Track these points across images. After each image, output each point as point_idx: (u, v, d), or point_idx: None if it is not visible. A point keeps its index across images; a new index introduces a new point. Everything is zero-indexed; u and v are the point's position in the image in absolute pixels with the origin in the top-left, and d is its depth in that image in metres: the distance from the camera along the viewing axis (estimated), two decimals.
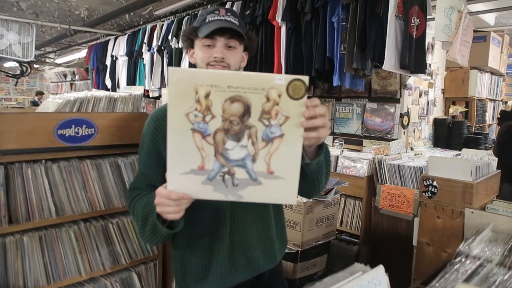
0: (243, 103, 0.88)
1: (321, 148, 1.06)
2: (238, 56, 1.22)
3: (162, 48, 4.37)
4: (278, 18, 3.05)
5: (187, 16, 4.08)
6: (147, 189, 1.19)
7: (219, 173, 0.94)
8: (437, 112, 4.04)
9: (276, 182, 0.94)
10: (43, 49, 7.88)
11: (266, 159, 0.93)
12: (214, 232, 1.19)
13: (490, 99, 4.87)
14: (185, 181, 0.95)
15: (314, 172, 1.08)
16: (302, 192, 1.16)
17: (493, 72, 4.70)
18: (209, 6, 3.90)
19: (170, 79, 0.87)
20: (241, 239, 1.21)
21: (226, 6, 3.53)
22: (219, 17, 1.17)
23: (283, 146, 0.91)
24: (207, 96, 0.87)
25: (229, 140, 0.91)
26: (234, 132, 0.91)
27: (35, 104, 9.29)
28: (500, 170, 1.96)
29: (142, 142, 1.22)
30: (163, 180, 1.18)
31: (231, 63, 1.18)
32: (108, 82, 5.50)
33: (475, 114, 4.42)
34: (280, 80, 0.86)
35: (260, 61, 3.33)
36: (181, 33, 1.26)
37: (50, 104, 1.44)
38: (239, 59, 1.22)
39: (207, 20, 1.17)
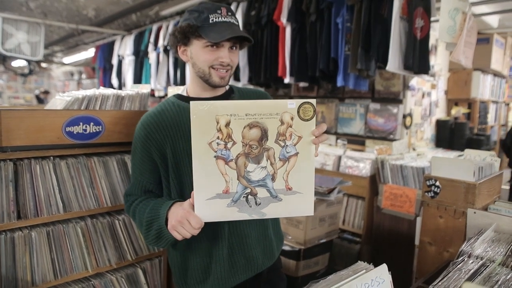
0: (260, 128, 0.98)
1: None
2: (238, 57, 1.23)
3: (168, 48, 4.40)
4: (283, 19, 3.07)
5: None
6: (143, 195, 1.23)
7: (243, 194, 1.02)
8: (440, 113, 4.04)
9: (294, 197, 1.03)
10: (51, 48, 7.93)
11: (284, 176, 1.02)
12: (212, 235, 1.20)
13: (492, 101, 4.86)
14: (211, 205, 1.02)
15: None
16: None
17: (496, 74, 4.69)
18: None
19: (193, 112, 0.95)
20: (239, 241, 1.22)
21: (232, 7, 3.55)
22: (222, 18, 1.13)
23: (299, 163, 1.01)
24: (227, 124, 0.97)
25: (250, 163, 1.00)
26: (254, 155, 1.00)
27: (39, 98, 9.34)
28: (503, 171, 1.96)
29: (134, 149, 1.23)
30: (158, 186, 1.24)
31: (233, 66, 1.19)
32: (114, 81, 5.54)
33: (478, 115, 4.42)
34: (291, 104, 0.97)
35: (265, 61, 3.35)
36: (176, 29, 1.18)
37: (58, 101, 1.47)
38: (238, 59, 1.23)
39: (210, 21, 1.11)
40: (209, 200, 1.01)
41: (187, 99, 1.22)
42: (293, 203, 1.03)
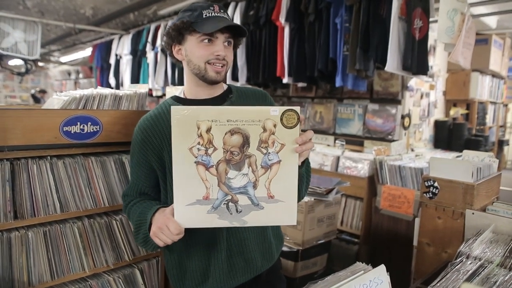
0: (242, 134, 0.96)
1: (304, 161, 1.11)
2: (232, 53, 1.21)
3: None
4: (282, 19, 3.07)
5: None
6: (138, 197, 1.24)
7: (223, 201, 1.01)
8: (438, 114, 4.05)
9: (276, 206, 1.02)
10: (48, 47, 7.91)
11: (266, 184, 1.00)
12: (210, 238, 1.19)
13: (491, 102, 4.87)
14: (191, 211, 1.01)
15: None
16: None
17: (494, 75, 4.70)
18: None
19: (173, 117, 0.94)
20: (238, 243, 1.21)
21: (230, 7, 3.55)
22: (215, 14, 1.13)
23: (281, 171, 0.99)
24: (208, 130, 0.95)
25: (231, 169, 0.99)
26: (235, 162, 0.98)
27: (35, 98, 9.30)
28: (501, 172, 1.97)
29: (132, 152, 1.24)
30: (154, 189, 1.23)
31: (228, 61, 1.18)
32: (112, 81, 5.53)
33: (476, 116, 4.43)
34: (274, 111, 0.95)
35: (264, 61, 3.35)
36: (170, 28, 1.18)
37: (55, 101, 1.46)
38: (232, 56, 1.22)
39: (204, 16, 1.12)
40: (189, 206, 1.00)
41: (184, 101, 1.22)
42: (275, 211, 1.01)
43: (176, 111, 0.94)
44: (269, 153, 0.97)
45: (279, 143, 0.97)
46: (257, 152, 0.97)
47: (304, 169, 1.16)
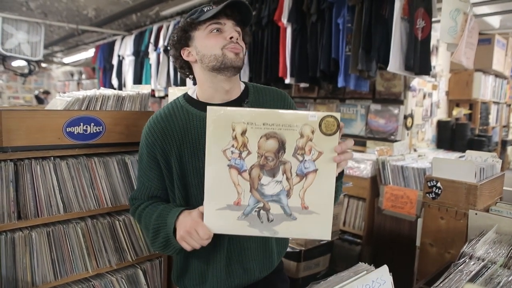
0: (278, 139, 0.91)
1: (342, 172, 1.06)
2: (243, 44, 1.16)
3: (169, 48, 4.39)
4: (284, 19, 3.06)
5: None
6: (149, 200, 1.20)
7: (255, 208, 0.96)
8: (441, 114, 4.04)
9: (310, 217, 0.96)
10: (50, 48, 7.94)
11: (301, 194, 0.94)
12: (211, 245, 1.13)
13: (494, 102, 4.86)
14: (221, 216, 0.97)
15: None
16: None
17: (497, 75, 4.68)
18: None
19: (209, 117, 0.90)
20: (238, 252, 1.18)
21: None
22: (216, 6, 1.11)
23: (317, 180, 0.93)
24: (243, 133, 0.91)
25: (264, 175, 0.94)
26: (269, 168, 0.93)
27: (38, 99, 9.33)
28: (504, 172, 1.96)
29: (141, 154, 1.20)
30: (166, 192, 1.19)
31: (243, 46, 1.14)
32: (114, 82, 5.54)
33: (479, 116, 4.41)
34: (313, 117, 0.90)
35: (266, 61, 3.35)
36: (174, 32, 1.15)
37: (58, 102, 1.46)
38: (244, 45, 1.16)
39: (205, 10, 1.11)
40: (220, 210, 0.96)
41: (196, 103, 1.17)
42: (308, 224, 0.95)
43: (212, 111, 0.91)
44: (305, 160, 0.92)
45: (317, 151, 0.92)
46: (292, 159, 0.92)
47: (340, 182, 1.09)
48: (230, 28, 1.10)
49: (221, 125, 0.91)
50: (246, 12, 1.13)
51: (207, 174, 0.94)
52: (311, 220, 0.95)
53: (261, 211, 0.96)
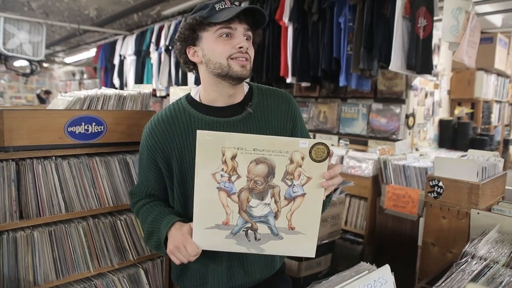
0: (267, 164, 0.93)
1: (330, 193, 1.06)
2: (253, 49, 1.13)
3: (170, 47, 4.41)
4: (285, 19, 3.06)
5: None
6: (146, 197, 1.23)
7: (242, 228, 0.99)
8: (443, 113, 4.02)
9: (296, 237, 0.99)
10: (52, 48, 7.96)
11: (288, 216, 0.97)
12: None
13: (496, 101, 4.84)
14: (210, 235, 1.00)
15: None
16: None
17: (499, 74, 4.67)
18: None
19: (199, 141, 0.91)
20: (239, 256, 1.18)
21: None
22: (228, 5, 1.06)
23: (305, 204, 0.96)
24: (233, 157, 0.92)
25: (253, 198, 0.96)
26: (258, 191, 0.95)
27: (41, 98, 9.35)
28: (506, 172, 1.96)
29: (141, 153, 1.20)
30: (163, 191, 1.21)
31: (252, 56, 1.10)
32: (116, 81, 5.55)
33: (481, 115, 4.40)
34: (303, 144, 0.91)
35: (267, 61, 3.35)
36: (182, 28, 1.09)
37: (60, 101, 1.47)
38: (253, 53, 1.13)
39: (217, 9, 1.05)
40: (208, 229, 0.99)
41: (199, 105, 1.15)
42: (294, 243, 1.00)
43: (202, 135, 0.91)
44: (294, 185, 0.95)
45: (306, 176, 0.94)
46: (281, 183, 0.94)
47: (328, 199, 1.12)
48: (240, 35, 1.06)
49: (211, 149, 0.92)
50: (260, 17, 1.09)
51: (196, 195, 0.96)
52: (297, 240, 0.99)
53: (249, 231, 0.99)
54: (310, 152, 0.91)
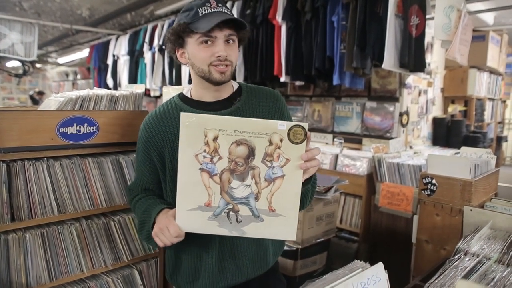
0: (248, 146, 0.97)
1: (310, 178, 1.09)
2: (237, 51, 1.17)
3: (163, 47, 4.39)
4: (279, 18, 3.06)
5: None
6: (142, 192, 1.26)
7: (224, 210, 1.02)
8: (436, 111, 4.04)
9: (277, 219, 1.02)
10: (45, 48, 7.90)
11: (268, 197, 1.00)
12: (204, 240, 1.19)
13: (489, 98, 4.87)
14: (192, 216, 1.02)
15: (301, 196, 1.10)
16: None
17: (492, 71, 4.69)
18: None
19: (182, 123, 0.95)
20: (230, 248, 1.20)
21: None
22: (212, 10, 1.08)
23: (284, 185, 0.99)
24: (215, 139, 0.96)
25: (234, 179, 1.00)
26: (239, 173, 0.99)
27: (33, 99, 9.27)
28: (499, 169, 1.97)
29: (138, 149, 1.25)
30: (158, 185, 1.25)
31: (233, 60, 1.14)
32: (109, 81, 5.51)
33: (474, 113, 4.42)
34: (282, 126, 0.95)
35: (261, 60, 3.34)
36: (168, 32, 1.15)
37: (51, 102, 1.45)
38: (237, 54, 1.17)
39: (200, 14, 1.08)
40: (191, 211, 1.01)
41: (190, 101, 1.21)
42: (275, 225, 1.02)
43: (186, 117, 0.95)
44: (273, 166, 0.98)
45: (284, 158, 0.97)
46: (261, 165, 0.98)
47: (310, 186, 1.16)
48: (221, 43, 1.10)
49: (194, 131, 0.96)
50: (239, 22, 1.12)
51: (179, 176, 0.99)
52: (278, 222, 1.02)
53: (231, 213, 1.02)
54: (288, 134, 0.95)
